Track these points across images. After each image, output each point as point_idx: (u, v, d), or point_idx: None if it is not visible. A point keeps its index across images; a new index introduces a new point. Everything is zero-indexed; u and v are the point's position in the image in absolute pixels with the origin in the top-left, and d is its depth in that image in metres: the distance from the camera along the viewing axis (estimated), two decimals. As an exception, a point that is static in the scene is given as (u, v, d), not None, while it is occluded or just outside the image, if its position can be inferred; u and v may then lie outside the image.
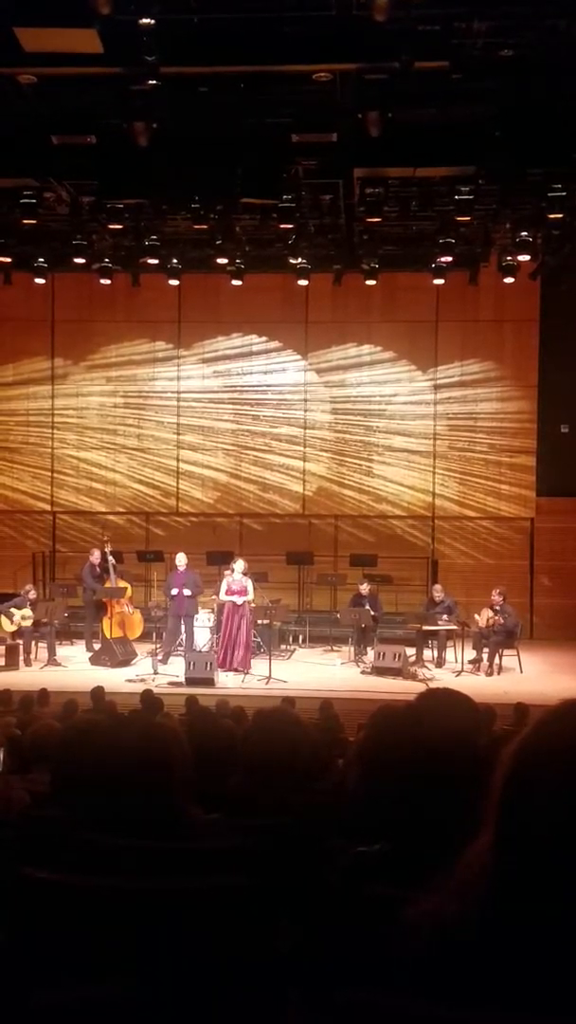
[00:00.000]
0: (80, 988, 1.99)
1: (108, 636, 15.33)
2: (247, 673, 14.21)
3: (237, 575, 14.81)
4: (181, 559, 15.34)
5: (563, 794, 1.28)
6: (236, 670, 14.34)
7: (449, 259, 15.48)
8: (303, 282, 16.60)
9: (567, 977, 1.25)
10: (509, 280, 15.93)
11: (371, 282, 16.52)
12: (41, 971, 2.11)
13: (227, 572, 15.64)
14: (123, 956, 2.12)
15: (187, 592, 15.03)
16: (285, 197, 12.59)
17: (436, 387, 18.85)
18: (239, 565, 14.93)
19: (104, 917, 2.22)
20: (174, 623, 15.09)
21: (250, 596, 14.76)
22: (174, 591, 15.00)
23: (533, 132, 10.77)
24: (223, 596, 14.83)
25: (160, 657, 14.67)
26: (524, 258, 15.19)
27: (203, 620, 15.63)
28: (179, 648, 15.11)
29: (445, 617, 15.05)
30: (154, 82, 9.74)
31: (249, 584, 14.81)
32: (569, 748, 1.33)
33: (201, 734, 4.84)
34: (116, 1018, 1.92)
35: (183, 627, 15.17)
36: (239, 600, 14.64)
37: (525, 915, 1.27)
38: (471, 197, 12.46)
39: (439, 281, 16.30)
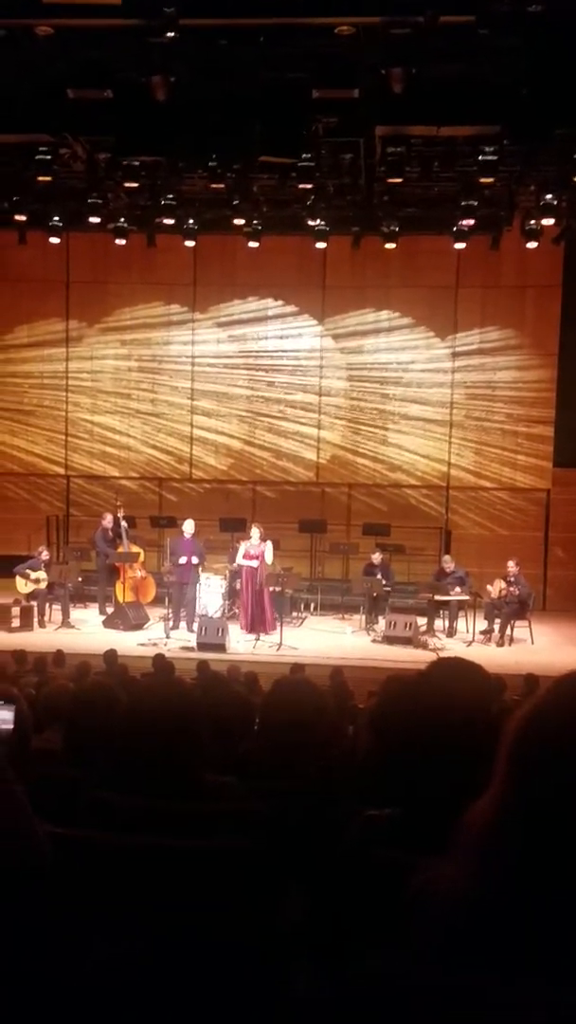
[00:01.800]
0: (93, 946, 1.95)
1: (121, 600, 15.38)
2: (259, 639, 14.18)
3: (255, 540, 14.79)
4: (189, 526, 15.28)
5: (570, 760, 1.28)
6: (264, 633, 14.31)
7: (471, 222, 15.22)
8: (321, 245, 16.38)
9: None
10: (532, 245, 15.67)
11: (390, 245, 16.28)
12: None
13: (244, 540, 15.62)
14: (134, 915, 2.09)
15: (195, 560, 15.00)
16: (304, 156, 12.40)
17: (454, 354, 18.66)
18: (255, 532, 14.90)
19: (116, 875, 2.20)
20: (179, 590, 15.05)
21: (269, 560, 14.72)
22: (183, 559, 14.93)
23: (560, 91, 10.48)
24: (240, 560, 14.80)
25: (172, 623, 14.67)
26: (548, 222, 14.92)
27: (215, 586, 15.61)
28: (183, 614, 15.07)
29: (458, 589, 14.98)
30: (172, 34, 9.55)
31: (268, 548, 14.76)
32: None
33: (213, 698, 4.80)
34: (126, 976, 1.89)
35: (187, 594, 15.13)
36: (255, 564, 14.62)
37: (532, 880, 1.27)
38: (495, 158, 12.25)
39: (460, 245, 16.03)
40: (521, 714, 1.36)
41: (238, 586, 15.30)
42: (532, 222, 15.10)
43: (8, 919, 1.90)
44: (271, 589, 14.81)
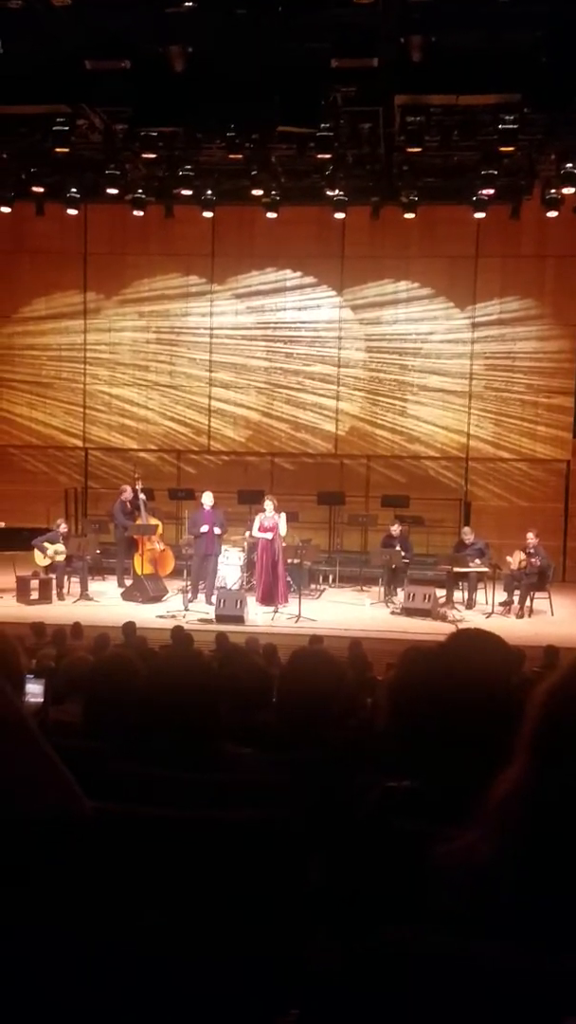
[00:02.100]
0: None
1: (139, 573, 15.42)
2: (276, 611, 14.22)
3: (269, 512, 14.80)
4: (208, 498, 15.30)
5: None
6: (279, 604, 14.37)
7: (491, 192, 15.09)
8: (340, 215, 16.29)
9: None
10: (552, 214, 15.52)
11: (410, 215, 16.17)
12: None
13: (259, 512, 15.67)
14: (157, 886, 2.12)
15: (217, 531, 15.05)
16: (323, 126, 12.32)
17: (474, 325, 18.56)
18: (269, 503, 14.91)
19: (138, 846, 2.22)
20: (200, 562, 15.09)
21: (283, 531, 14.74)
22: (204, 528, 14.96)
23: (581, 59, 10.39)
24: (256, 533, 14.84)
25: (190, 595, 14.72)
26: (569, 191, 14.74)
27: (233, 559, 15.66)
28: (201, 586, 15.12)
29: (477, 561, 14.96)
30: (190, 4, 9.49)
31: (281, 519, 14.78)
32: None
33: (232, 670, 4.83)
34: (151, 946, 1.92)
35: (209, 566, 15.17)
36: (270, 536, 14.65)
37: (554, 853, 1.29)
38: (515, 126, 12.13)
39: (480, 215, 15.90)
40: (545, 688, 1.37)
41: (255, 558, 15.34)
42: (552, 191, 14.95)
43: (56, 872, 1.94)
44: (289, 561, 14.84)
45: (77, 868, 2.03)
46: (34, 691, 3.53)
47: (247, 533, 15.78)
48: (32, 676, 3.68)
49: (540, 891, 1.30)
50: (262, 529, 14.77)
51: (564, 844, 1.28)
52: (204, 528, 14.96)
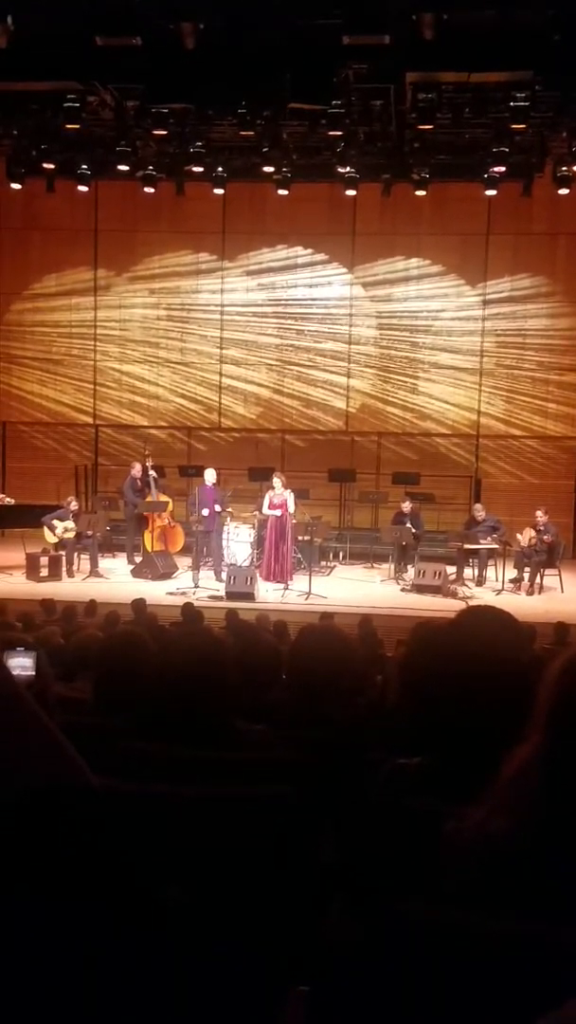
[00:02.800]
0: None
1: (149, 549, 15.46)
2: (287, 588, 14.28)
3: (278, 489, 14.83)
4: (210, 475, 15.31)
5: None
6: (283, 581, 14.43)
7: (502, 169, 15.05)
8: (351, 192, 16.25)
9: None
10: (564, 191, 15.48)
11: (421, 193, 16.13)
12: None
13: (269, 489, 15.71)
14: (172, 862, 2.16)
15: (217, 508, 15.10)
16: (334, 103, 12.29)
17: (485, 302, 18.51)
18: (277, 480, 14.93)
19: (148, 823, 2.24)
20: (202, 538, 15.12)
21: (291, 509, 14.79)
22: (205, 511, 14.97)
23: (594, 35, 10.35)
24: (266, 510, 14.87)
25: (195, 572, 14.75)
26: (580, 168, 14.74)
27: (244, 536, 15.70)
28: (207, 562, 15.18)
29: (488, 538, 14.98)
30: (202, -20, 9.47)
31: (290, 497, 14.82)
32: None
33: (242, 646, 4.86)
34: (166, 920, 1.96)
35: (210, 542, 15.23)
36: (279, 513, 14.69)
37: (568, 829, 1.30)
38: (527, 104, 12.09)
39: (491, 192, 15.85)
40: (560, 664, 1.38)
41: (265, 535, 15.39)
42: (564, 168, 14.91)
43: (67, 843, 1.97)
44: (300, 538, 14.88)
45: (82, 840, 2.07)
46: (23, 664, 3.52)
47: (256, 512, 15.84)
48: (22, 649, 3.68)
49: (557, 865, 1.32)
50: (271, 507, 14.80)
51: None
52: (205, 511, 14.91)
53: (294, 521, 14.83)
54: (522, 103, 12.05)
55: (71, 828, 1.84)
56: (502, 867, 1.37)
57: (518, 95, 11.94)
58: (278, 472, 15.39)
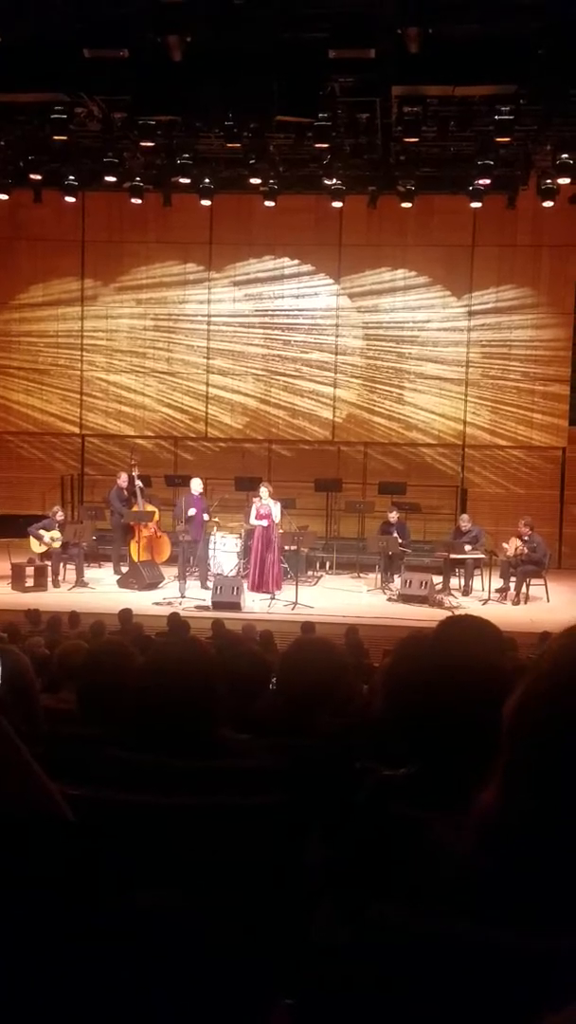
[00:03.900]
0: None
1: (136, 559, 15.45)
2: (273, 597, 14.29)
3: (265, 499, 14.86)
4: (197, 484, 15.35)
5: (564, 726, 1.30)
6: (271, 591, 14.45)
7: (487, 182, 15.15)
8: (337, 204, 16.33)
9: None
10: (548, 204, 15.59)
11: (407, 205, 16.22)
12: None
13: (255, 499, 15.74)
14: (157, 871, 2.16)
15: (205, 517, 15.13)
16: (321, 115, 12.35)
17: (470, 313, 18.61)
18: (264, 490, 14.97)
19: (132, 832, 2.25)
20: (189, 548, 15.14)
21: (277, 519, 14.82)
22: (192, 511, 15.00)
23: (577, 50, 10.45)
24: (253, 520, 14.90)
25: (181, 579, 14.77)
26: (564, 181, 14.81)
27: (230, 545, 15.71)
28: (193, 572, 15.18)
29: (468, 547, 15.04)
30: (189, -6, 9.52)
31: (276, 508, 14.85)
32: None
33: (229, 656, 4.87)
34: (156, 923, 1.97)
35: (196, 551, 15.25)
36: (265, 523, 14.72)
37: (531, 842, 1.30)
38: (511, 117, 12.17)
39: (476, 204, 15.97)
40: (526, 680, 1.38)
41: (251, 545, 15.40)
42: (548, 181, 15.01)
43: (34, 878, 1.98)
44: (286, 548, 14.91)
45: (59, 868, 2.08)
46: None
47: (248, 520, 15.87)
48: None
49: (518, 880, 1.32)
50: (258, 516, 14.82)
51: (536, 833, 1.30)
52: (192, 511, 14.96)
53: (280, 531, 14.86)
54: (507, 116, 12.13)
55: (41, 858, 1.85)
56: (474, 878, 1.38)
57: (503, 108, 12.02)
58: (265, 482, 15.42)
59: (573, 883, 1.29)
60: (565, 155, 13.90)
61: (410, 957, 1.38)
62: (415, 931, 1.39)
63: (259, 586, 14.60)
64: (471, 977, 1.35)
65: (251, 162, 14.91)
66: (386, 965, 1.40)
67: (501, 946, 1.32)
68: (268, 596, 14.33)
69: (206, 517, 15.19)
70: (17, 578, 14.72)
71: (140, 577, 15.05)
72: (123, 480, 16.12)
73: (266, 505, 14.81)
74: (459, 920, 1.36)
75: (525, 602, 14.59)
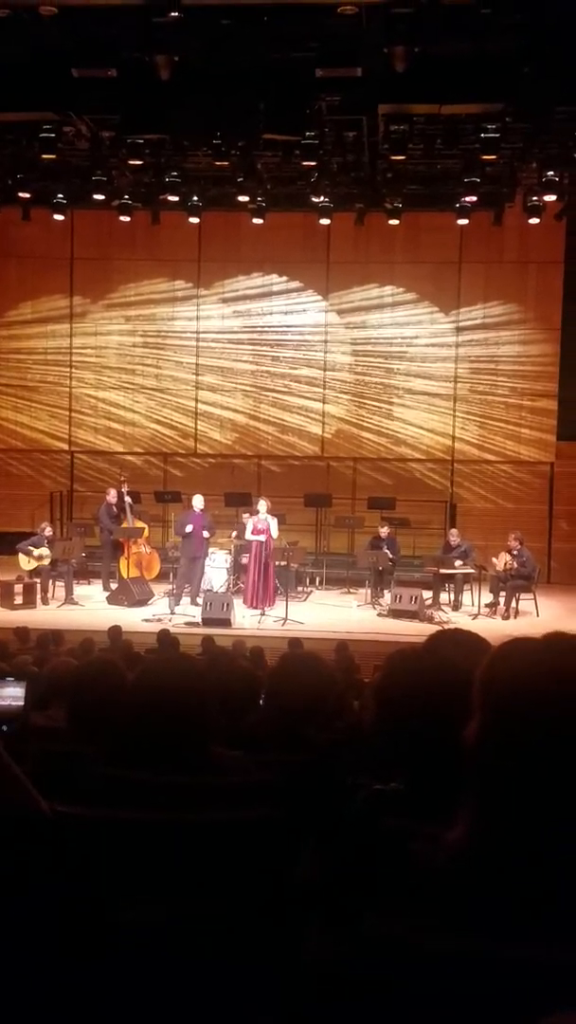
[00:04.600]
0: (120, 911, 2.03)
1: (125, 576, 15.42)
2: (263, 613, 14.28)
3: (263, 514, 14.87)
4: (199, 500, 15.36)
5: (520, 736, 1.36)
6: (266, 607, 14.45)
7: (474, 199, 15.25)
8: (325, 221, 16.40)
9: (540, 913, 1.32)
10: (534, 221, 15.68)
11: (394, 222, 16.30)
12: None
13: (244, 516, 15.77)
14: (148, 885, 2.16)
15: (206, 534, 15.12)
16: (308, 134, 12.43)
17: (458, 329, 18.69)
18: (262, 505, 14.98)
19: (120, 848, 2.25)
20: (188, 564, 15.14)
21: (275, 534, 14.84)
22: (189, 527, 15.00)
23: (562, 69, 10.54)
24: (249, 535, 14.89)
25: (175, 600, 14.74)
26: (550, 198, 14.94)
27: (220, 561, 15.70)
28: (187, 589, 15.17)
29: (458, 562, 15.06)
30: (176, 14, 9.57)
31: (274, 523, 14.87)
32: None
33: (219, 673, 4.87)
34: (147, 938, 1.97)
35: (197, 569, 15.24)
36: (263, 539, 14.73)
37: (499, 854, 1.36)
38: (497, 135, 12.26)
39: (463, 221, 16.08)
40: (485, 662, 1.49)
41: (244, 561, 15.39)
42: (534, 198, 15.10)
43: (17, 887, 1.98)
44: (276, 563, 14.91)
45: (42, 867, 2.08)
46: (14, 694, 3.48)
47: (233, 535, 15.89)
48: (12, 679, 3.62)
49: (490, 889, 1.36)
50: (255, 531, 14.81)
51: (503, 845, 1.35)
52: (189, 528, 14.97)
53: (275, 546, 14.87)
54: (493, 134, 12.21)
55: (24, 856, 1.85)
56: (452, 888, 1.41)
57: (489, 126, 12.10)
58: (264, 497, 15.43)
59: (542, 899, 1.32)
60: (551, 172, 14.01)
61: (401, 969, 1.39)
62: (405, 944, 1.40)
63: (260, 601, 14.57)
64: (461, 988, 1.36)
65: (239, 180, 14.98)
66: (378, 977, 1.41)
67: (485, 957, 1.34)
68: (258, 612, 14.32)
69: (207, 534, 15.15)
70: (6, 596, 14.65)
71: (130, 594, 15.01)
72: (112, 497, 16.10)
73: (264, 520, 14.83)
74: (444, 932, 1.38)
75: (515, 617, 14.60)
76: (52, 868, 2.16)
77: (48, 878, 2.12)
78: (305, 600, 15.99)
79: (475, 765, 1.44)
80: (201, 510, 15.29)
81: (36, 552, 15.10)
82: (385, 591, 15.35)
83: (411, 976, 1.38)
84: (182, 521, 15.32)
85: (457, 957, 1.36)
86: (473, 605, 14.88)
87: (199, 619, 13.58)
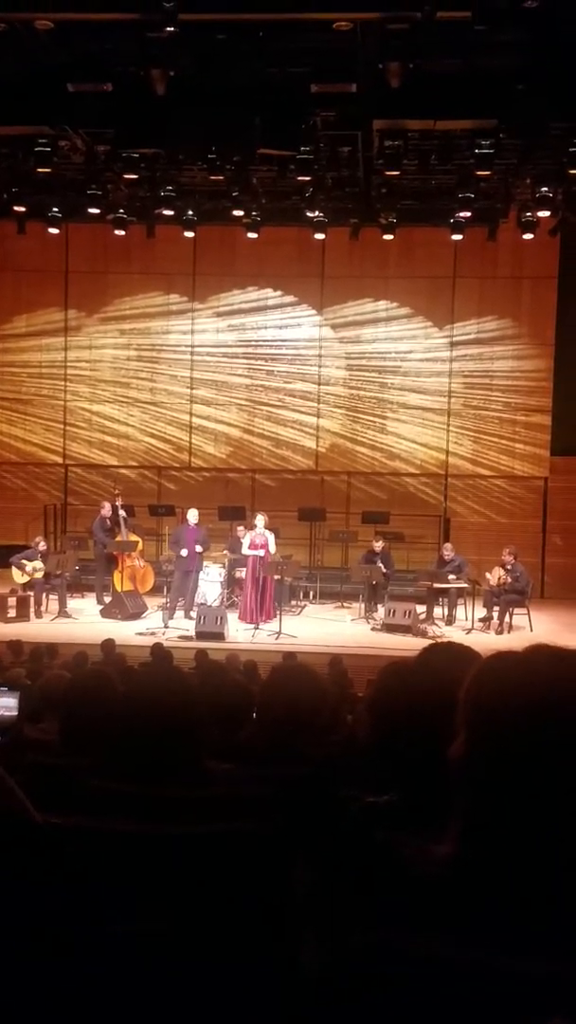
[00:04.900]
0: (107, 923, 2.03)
1: (119, 589, 15.41)
2: (257, 627, 14.26)
3: (260, 529, 14.87)
4: (193, 515, 15.36)
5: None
6: (265, 621, 14.42)
7: (468, 214, 15.31)
8: (319, 236, 16.46)
9: (528, 919, 1.33)
10: (528, 236, 15.76)
11: (388, 237, 16.37)
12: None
13: (239, 529, 15.78)
14: (142, 898, 2.15)
15: (199, 548, 15.10)
16: (303, 148, 12.47)
17: (452, 344, 18.74)
18: (260, 520, 14.99)
19: (111, 860, 2.24)
20: (182, 578, 15.13)
21: (273, 549, 14.85)
22: (184, 551, 14.99)
23: (556, 85, 10.61)
24: (246, 550, 14.89)
25: (169, 614, 14.72)
26: (544, 214, 15.01)
27: (214, 575, 15.69)
28: (181, 603, 15.15)
29: (452, 577, 15.07)
30: (172, 29, 9.61)
31: (271, 538, 14.88)
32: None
33: (212, 686, 4.86)
34: (138, 951, 1.96)
35: (189, 583, 15.22)
36: (261, 553, 14.72)
37: (487, 866, 1.36)
38: (492, 151, 12.28)
39: (457, 237, 16.12)
40: (471, 676, 1.49)
41: (238, 575, 15.38)
42: (528, 214, 15.18)
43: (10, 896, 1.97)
44: (273, 577, 14.91)
45: (36, 878, 2.07)
46: (7, 704, 3.49)
47: (225, 550, 15.89)
48: (6, 689, 3.62)
49: (478, 895, 1.37)
50: (252, 546, 14.81)
51: (490, 850, 1.36)
52: (184, 552, 14.94)
53: (270, 560, 14.87)
54: (487, 150, 12.24)
55: (17, 866, 1.83)
56: (442, 896, 1.41)
57: (483, 142, 12.14)
58: (262, 512, 15.44)
59: (530, 910, 1.33)
60: (544, 188, 14.08)
61: (395, 978, 1.39)
62: (398, 953, 1.40)
63: (258, 616, 14.54)
64: (453, 996, 1.36)
65: (234, 194, 15.03)
66: (373, 986, 1.40)
67: (475, 966, 1.34)
68: (252, 626, 14.31)
69: (200, 548, 15.12)
70: (-1, 609, 14.67)
71: (123, 607, 15.01)
72: (107, 510, 16.10)
73: (262, 535, 14.83)
74: (435, 941, 1.38)
75: (509, 631, 14.60)
76: (45, 879, 2.14)
77: (41, 889, 2.11)
78: (299, 614, 15.98)
79: (461, 779, 1.44)
80: (195, 524, 15.29)
81: (30, 565, 15.09)
82: (379, 605, 15.36)
83: (404, 985, 1.38)
84: (176, 535, 15.33)
85: (448, 966, 1.36)
86: (467, 620, 14.90)
87: (193, 633, 13.57)
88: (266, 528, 14.91)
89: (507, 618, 14.69)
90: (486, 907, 1.39)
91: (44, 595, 15.31)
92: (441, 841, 1.51)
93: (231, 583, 15.61)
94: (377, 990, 1.40)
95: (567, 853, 1.36)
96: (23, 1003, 1.78)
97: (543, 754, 1.38)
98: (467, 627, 14.71)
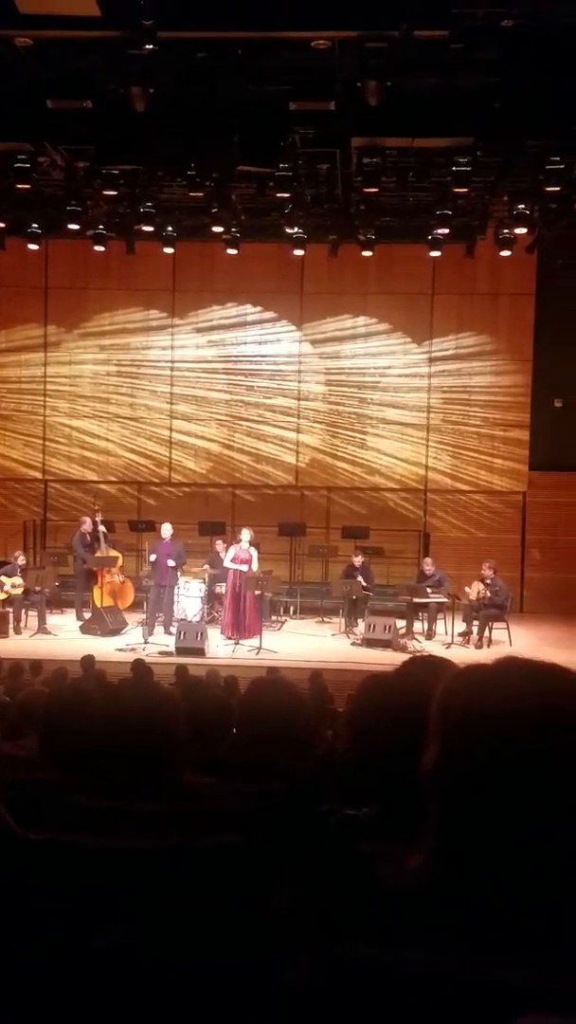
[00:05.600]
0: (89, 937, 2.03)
1: (99, 605, 15.35)
2: (237, 643, 14.24)
3: (244, 544, 14.87)
4: (167, 529, 15.36)
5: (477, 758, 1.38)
6: (247, 636, 14.39)
7: (446, 231, 15.42)
8: (299, 252, 16.53)
9: (505, 930, 1.33)
10: (506, 253, 15.90)
11: (367, 253, 16.46)
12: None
13: (218, 543, 15.77)
14: (121, 911, 2.16)
15: (171, 563, 15.08)
16: (282, 166, 12.54)
17: (431, 360, 18.83)
18: (246, 534, 14.99)
19: (101, 876, 2.24)
20: (156, 592, 15.10)
21: (255, 566, 14.84)
22: (153, 557, 15.00)
23: (532, 104, 10.69)
24: (228, 564, 14.87)
25: (148, 629, 14.69)
26: (521, 231, 15.16)
27: (194, 590, 15.66)
28: (158, 618, 15.12)
29: (431, 591, 15.10)
30: (152, 47, 9.64)
31: (255, 554, 14.88)
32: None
33: (192, 701, 4.85)
34: (120, 965, 1.96)
35: (164, 597, 15.19)
36: (245, 568, 14.71)
37: (458, 876, 1.37)
38: (469, 169, 12.39)
39: (435, 253, 16.25)
40: (441, 686, 1.50)
41: (218, 590, 15.36)
42: (505, 231, 15.31)
43: None
44: (254, 593, 14.91)
45: (13, 890, 2.07)
46: None
47: (205, 565, 15.87)
48: None
49: (452, 904, 1.37)
50: (236, 560, 14.81)
51: (464, 859, 1.37)
52: (153, 557, 14.95)
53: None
54: (464, 168, 12.34)
55: None
56: (419, 906, 1.42)
57: (460, 160, 12.24)
58: (248, 527, 15.44)
59: (503, 917, 1.34)
60: (521, 205, 14.21)
61: (376, 994, 1.39)
62: (380, 968, 1.40)
63: (242, 631, 14.50)
64: (430, 1007, 1.37)
65: (213, 211, 15.08)
66: (352, 998, 1.41)
67: (449, 974, 1.35)
68: (232, 641, 14.29)
69: (171, 563, 15.11)
70: (-22, 625, 14.59)
71: (103, 623, 14.95)
72: (87, 525, 16.06)
73: (246, 550, 14.83)
74: (410, 951, 1.39)
75: (488, 645, 14.65)
76: (27, 894, 2.14)
77: (23, 904, 2.11)
78: (279, 629, 15.97)
79: (432, 791, 1.46)
80: (169, 538, 15.27)
81: (9, 581, 15.04)
82: (359, 620, 15.37)
83: (383, 995, 1.39)
84: (152, 549, 15.32)
85: (422, 975, 1.37)
86: (446, 634, 14.92)
87: (173, 648, 13.54)
88: (251, 544, 14.91)
89: (487, 632, 14.74)
90: (458, 916, 1.40)
91: (23, 611, 15.25)
92: (415, 852, 1.53)
93: (211, 598, 15.59)
94: (357, 1001, 1.41)
95: (537, 861, 1.37)
96: (4, 1015, 1.77)
97: (513, 765, 1.40)
98: (447, 641, 14.73)
